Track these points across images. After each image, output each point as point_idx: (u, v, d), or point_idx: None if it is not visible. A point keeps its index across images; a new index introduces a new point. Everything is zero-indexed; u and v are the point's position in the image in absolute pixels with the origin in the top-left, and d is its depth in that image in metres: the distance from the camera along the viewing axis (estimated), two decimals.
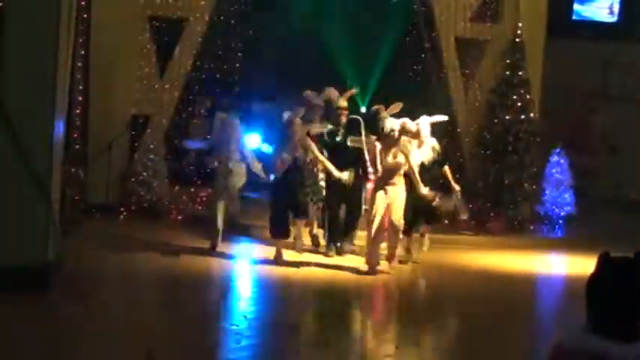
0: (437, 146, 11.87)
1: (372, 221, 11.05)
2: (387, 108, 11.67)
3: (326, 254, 12.12)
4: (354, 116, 12.26)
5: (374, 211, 11.04)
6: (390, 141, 11.10)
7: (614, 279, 3.35)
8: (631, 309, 3.34)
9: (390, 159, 11.04)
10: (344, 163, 11.62)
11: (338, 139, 11.98)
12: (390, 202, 11.07)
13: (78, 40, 12.75)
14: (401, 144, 11.17)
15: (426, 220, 12.03)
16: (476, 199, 14.69)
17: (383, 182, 11.13)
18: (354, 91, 13.10)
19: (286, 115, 11.45)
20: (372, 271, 11.20)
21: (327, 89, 12.27)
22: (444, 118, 12.55)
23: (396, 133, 11.11)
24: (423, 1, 15.43)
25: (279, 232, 11.41)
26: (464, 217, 12.64)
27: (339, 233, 12.19)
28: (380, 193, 11.08)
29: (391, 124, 11.24)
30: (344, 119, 12.15)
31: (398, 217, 11.11)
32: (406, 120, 11.48)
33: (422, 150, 11.68)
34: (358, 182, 11.95)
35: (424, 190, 11.16)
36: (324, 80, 16.42)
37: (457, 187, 11.96)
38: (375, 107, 12.17)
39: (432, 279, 11.87)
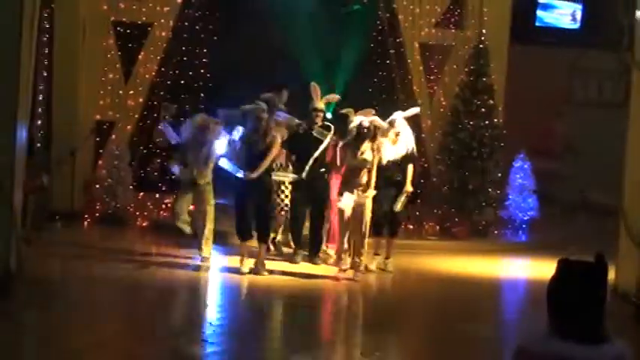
0: (411, 141, 11.78)
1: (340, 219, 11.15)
2: (356, 112, 11.65)
3: (293, 261, 12.02)
4: (328, 123, 12.16)
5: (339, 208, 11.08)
6: (363, 137, 11.08)
7: (574, 283, 3.36)
8: (592, 312, 3.34)
9: (358, 156, 10.99)
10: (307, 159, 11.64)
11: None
12: (357, 206, 11.02)
13: (40, 47, 12.63)
14: (377, 141, 11.17)
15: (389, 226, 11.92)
16: (440, 205, 14.72)
17: (349, 182, 11.09)
18: (335, 97, 12.81)
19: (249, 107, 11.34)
20: (338, 259, 11.38)
21: (313, 84, 12.14)
22: (417, 110, 12.55)
23: (368, 130, 11.10)
24: (387, 7, 15.42)
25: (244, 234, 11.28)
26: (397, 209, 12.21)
27: (314, 242, 12.07)
28: (347, 195, 11.03)
29: (360, 120, 11.25)
30: (319, 121, 12.02)
31: (365, 222, 11.07)
32: (375, 117, 11.45)
33: (396, 146, 11.62)
34: (324, 187, 11.87)
35: (370, 194, 11.12)
36: (290, 85, 16.43)
37: (410, 189, 11.73)
38: (344, 110, 12.14)
39: (397, 284, 11.84)
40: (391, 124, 11.70)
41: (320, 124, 11.98)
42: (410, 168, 11.71)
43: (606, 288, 3.38)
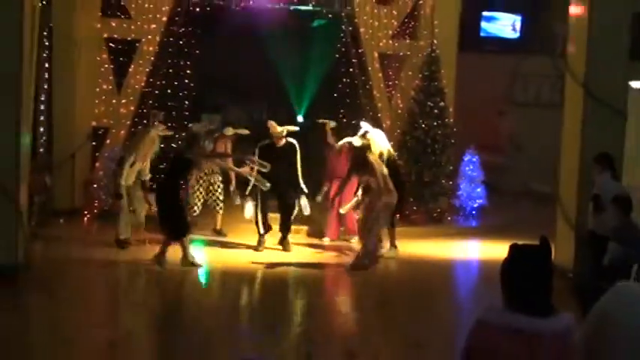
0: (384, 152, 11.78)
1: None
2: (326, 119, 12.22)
3: (256, 249, 11.90)
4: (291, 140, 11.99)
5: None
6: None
7: (523, 264, 3.42)
8: (540, 288, 3.41)
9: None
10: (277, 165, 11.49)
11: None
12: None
13: (41, 61, 12.54)
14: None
15: None
16: (400, 195, 14.74)
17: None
18: (293, 128, 12.37)
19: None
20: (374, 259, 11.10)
21: (270, 123, 11.95)
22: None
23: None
24: (350, 21, 15.42)
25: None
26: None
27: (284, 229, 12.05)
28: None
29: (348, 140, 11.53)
30: (281, 144, 11.84)
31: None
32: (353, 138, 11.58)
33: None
34: (291, 179, 11.83)
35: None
36: (265, 94, 16.45)
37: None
38: (321, 120, 12.69)
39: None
40: (363, 135, 11.71)
41: (282, 144, 11.83)
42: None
43: (551, 266, 3.43)
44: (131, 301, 9.51)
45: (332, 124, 13.00)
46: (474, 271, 12.58)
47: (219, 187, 12.69)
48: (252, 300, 10.08)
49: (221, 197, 12.67)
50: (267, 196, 11.75)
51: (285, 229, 12.05)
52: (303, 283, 10.73)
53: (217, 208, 12.70)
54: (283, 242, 12.04)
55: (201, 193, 12.62)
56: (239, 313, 9.18)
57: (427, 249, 12.72)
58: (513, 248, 3.47)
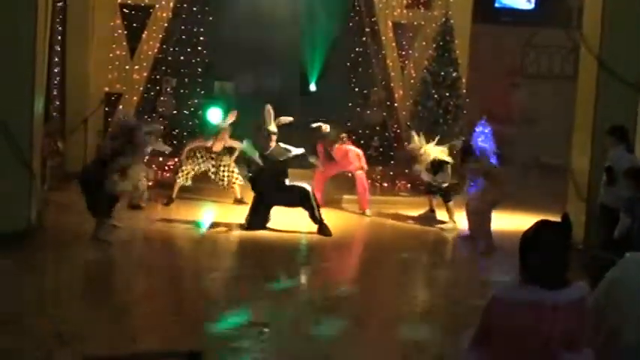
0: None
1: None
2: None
3: (243, 227, 11.21)
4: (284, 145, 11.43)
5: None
6: None
7: (547, 239, 3.47)
8: (561, 263, 3.47)
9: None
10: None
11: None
12: None
13: (55, 25, 12.52)
14: None
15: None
16: (410, 165, 14.72)
17: None
18: (288, 119, 11.55)
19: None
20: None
21: (268, 107, 11.33)
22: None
23: None
24: None
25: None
26: None
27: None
28: None
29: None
30: (272, 144, 11.18)
31: None
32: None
33: None
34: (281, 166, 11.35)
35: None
36: (278, 62, 16.39)
37: None
38: (315, 125, 12.75)
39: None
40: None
41: (274, 145, 11.21)
42: None
43: (570, 241, 3.45)
44: (143, 264, 9.56)
45: (326, 127, 12.92)
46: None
47: (228, 165, 12.65)
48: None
49: (235, 172, 12.70)
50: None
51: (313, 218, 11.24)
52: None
53: (233, 182, 12.72)
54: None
55: (197, 165, 12.61)
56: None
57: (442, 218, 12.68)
58: (538, 224, 3.48)
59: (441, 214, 12.51)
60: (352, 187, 13.08)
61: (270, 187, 11.15)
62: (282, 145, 11.32)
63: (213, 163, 12.69)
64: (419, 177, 12.77)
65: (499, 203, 11.08)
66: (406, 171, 14.53)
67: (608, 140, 9.47)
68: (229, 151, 12.68)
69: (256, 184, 11.25)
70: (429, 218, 12.60)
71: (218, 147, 12.60)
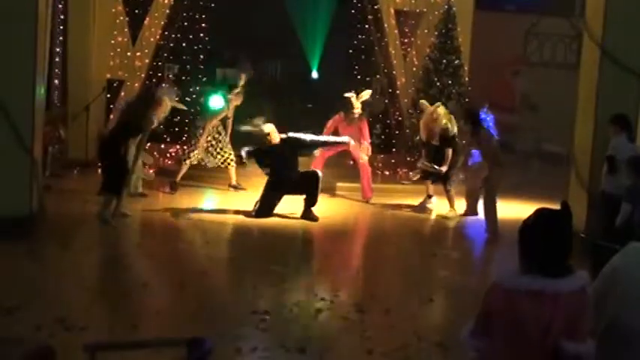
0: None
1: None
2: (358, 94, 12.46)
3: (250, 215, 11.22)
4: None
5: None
6: None
7: (547, 227, 3.45)
8: (561, 251, 3.45)
9: None
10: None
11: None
12: None
13: (56, 14, 12.49)
14: None
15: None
16: (412, 153, 14.71)
17: None
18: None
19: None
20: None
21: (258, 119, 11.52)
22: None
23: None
24: None
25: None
26: None
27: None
28: None
29: None
30: (274, 141, 11.26)
31: None
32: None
33: None
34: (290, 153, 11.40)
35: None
36: (280, 49, 16.35)
37: None
38: (347, 94, 12.67)
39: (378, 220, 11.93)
40: None
41: (275, 142, 11.26)
42: None
43: (571, 230, 3.44)
44: (145, 251, 9.57)
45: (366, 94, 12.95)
46: (480, 227, 12.55)
47: (225, 145, 12.66)
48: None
49: (232, 155, 12.62)
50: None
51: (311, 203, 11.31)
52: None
53: (228, 162, 12.71)
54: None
55: (212, 146, 12.64)
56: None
57: (438, 205, 12.66)
58: (538, 212, 3.47)
59: (441, 203, 12.47)
60: (350, 176, 13.05)
61: (287, 177, 11.18)
62: (292, 134, 11.41)
63: (215, 136, 12.68)
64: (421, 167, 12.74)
65: (498, 186, 11.05)
66: (408, 159, 14.53)
67: (610, 129, 9.46)
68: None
69: (274, 174, 11.23)
70: (426, 207, 12.53)
71: (231, 112, 12.92)
